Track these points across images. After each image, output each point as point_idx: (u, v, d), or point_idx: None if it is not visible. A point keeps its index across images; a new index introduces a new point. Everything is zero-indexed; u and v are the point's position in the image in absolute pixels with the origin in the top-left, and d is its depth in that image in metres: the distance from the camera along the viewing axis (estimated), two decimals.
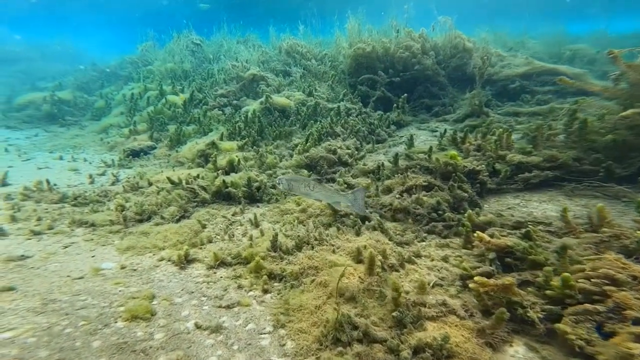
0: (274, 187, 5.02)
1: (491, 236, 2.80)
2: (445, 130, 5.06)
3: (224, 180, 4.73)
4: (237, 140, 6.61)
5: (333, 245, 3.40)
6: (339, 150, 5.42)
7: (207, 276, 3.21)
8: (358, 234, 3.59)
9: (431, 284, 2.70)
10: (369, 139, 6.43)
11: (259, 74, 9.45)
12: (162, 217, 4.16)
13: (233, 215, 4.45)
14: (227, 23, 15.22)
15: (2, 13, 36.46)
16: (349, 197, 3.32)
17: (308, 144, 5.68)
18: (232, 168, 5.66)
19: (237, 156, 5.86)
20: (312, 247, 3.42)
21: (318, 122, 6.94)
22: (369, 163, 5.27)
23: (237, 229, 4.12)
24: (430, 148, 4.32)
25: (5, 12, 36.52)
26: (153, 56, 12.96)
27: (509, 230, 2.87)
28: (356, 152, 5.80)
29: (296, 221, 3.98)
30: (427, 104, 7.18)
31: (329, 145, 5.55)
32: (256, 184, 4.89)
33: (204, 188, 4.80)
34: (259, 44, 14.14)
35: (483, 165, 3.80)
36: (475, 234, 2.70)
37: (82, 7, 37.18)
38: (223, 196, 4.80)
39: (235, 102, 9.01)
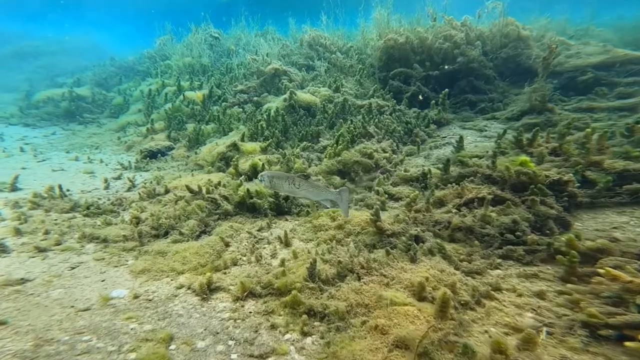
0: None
1: (615, 268, 2.10)
2: (505, 131, 4.31)
3: (248, 190, 4.18)
4: (260, 142, 6.07)
5: (385, 276, 2.79)
6: (375, 154, 4.77)
7: (234, 311, 2.66)
8: (413, 260, 2.95)
9: (542, 335, 2.03)
10: (405, 140, 5.75)
11: (281, 68, 8.87)
12: (181, 233, 3.66)
13: (259, 230, 3.90)
14: (245, 16, 14.72)
15: (22, 6, 37.50)
16: (336, 195, 3.06)
17: (339, 146, 5.05)
18: (255, 173, 5.12)
19: (260, 159, 5.32)
20: (359, 277, 2.82)
21: (348, 122, 6.29)
22: (410, 169, 4.59)
23: (264, 247, 3.57)
24: (495, 153, 3.60)
25: (24, 5, 37.52)
26: (171, 50, 12.63)
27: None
28: (393, 155, 5.14)
29: (334, 241, 3.39)
30: (470, 99, 6.39)
31: (364, 147, 4.90)
32: (284, 194, 4.31)
33: (226, 198, 4.28)
34: (278, 37, 13.57)
35: (571, 174, 3.06)
36: (601, 270, 2.02)
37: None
38: (247, 207, 4.26)
39: (255, 98, 8.48)
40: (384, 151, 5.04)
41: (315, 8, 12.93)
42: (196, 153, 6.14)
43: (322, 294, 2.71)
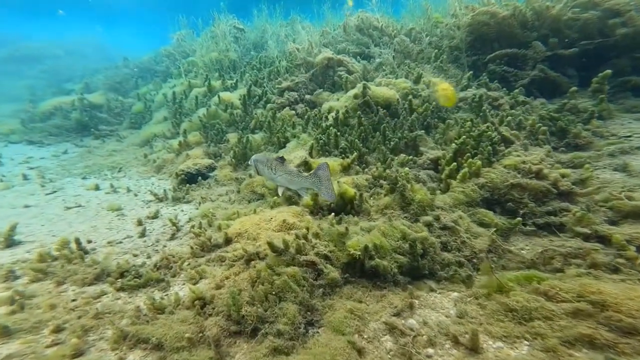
0: (446, 248, 2.98)
1: None
2: None
3: (366, 247, 2.77)
4: (338, 157, 4.68)
5: None
6: (548, 172, 3.24)
7: None
8: None
9: None
10: (555, 144, 4.18)
11: (335, 57, 7.45)
12: (279, 333, 2.29)
13: (398, 315, 2.49)
14: (267, 4, 13.50)
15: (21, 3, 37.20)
16: (311, 180, 2.75)
17: (476, 162, 3.56)
18: (343, 206, 3.73)
19: (345, 183, 3.91)
20: None
21: (454, 121, 4.80)
22: (634, 194, 3.00)
23: (428, 357, 2.15)
24: None
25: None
26: (191, 46, 11.47)
27: None
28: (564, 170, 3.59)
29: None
30: (636, 83, 4.74)
31: (522, 162, 3.39)
32: (419, 248, 2.88)
33: (326, 257, 2.89)
34: (309, 25, 12.22)
35: None
36: None
37: None
38: (361, 270, 2.86)
39: (308, 96, 7.10)
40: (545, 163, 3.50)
41: None
42: (250, 175, 4.80)
43: None
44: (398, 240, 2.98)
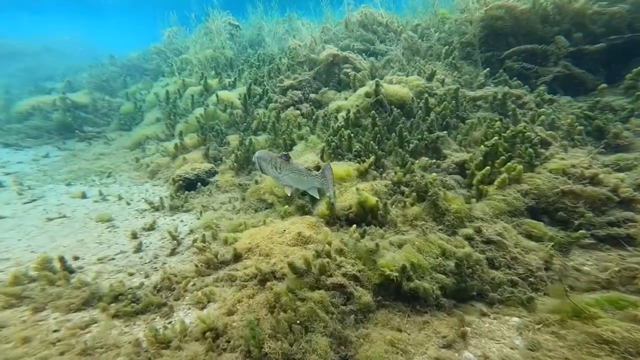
0: (494, 265, 2.65)
1: None
2: None
3: (404, 268, 2.42)
4: (353, 160, 4.33)
5: None
6: (603, 177, 2.95)
7: None
8: None
9: None
10: (592, 145, 3.92)
11: (341, 54, 7.13)
12: None
13: (449, 348, 2.15)
14: (261, 1, 13.19)
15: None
16: (320, 180, 2.69)
17: (516, 167, 3.26)
18: (364, 216, 3.38)
19: (363, 190, 3.56)
20: None
21: (477, 121, 4.52)
22: None
23: None
24: None
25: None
26: (184, 42, 11.03)
27: None
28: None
29: None
30: None
31: (572, 166, 3.10)
32: (466, 267, 2.54)
33: (355, 278, 2.54)
34: (307, 22, 11.94)
35: None
36: None
37: None
38: (396, 292, 2.51)
39: (312, 95, 6.76)
40: (592, 167, 3.22)
41: None
42: (257, 182, 4.42)
43: None
44: (437, 257, 2.65)
